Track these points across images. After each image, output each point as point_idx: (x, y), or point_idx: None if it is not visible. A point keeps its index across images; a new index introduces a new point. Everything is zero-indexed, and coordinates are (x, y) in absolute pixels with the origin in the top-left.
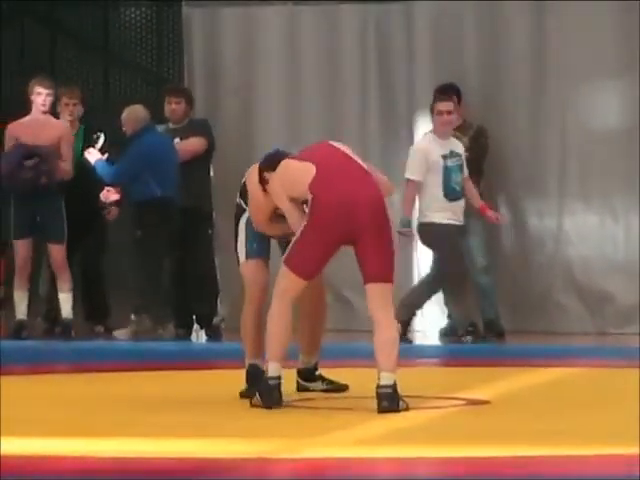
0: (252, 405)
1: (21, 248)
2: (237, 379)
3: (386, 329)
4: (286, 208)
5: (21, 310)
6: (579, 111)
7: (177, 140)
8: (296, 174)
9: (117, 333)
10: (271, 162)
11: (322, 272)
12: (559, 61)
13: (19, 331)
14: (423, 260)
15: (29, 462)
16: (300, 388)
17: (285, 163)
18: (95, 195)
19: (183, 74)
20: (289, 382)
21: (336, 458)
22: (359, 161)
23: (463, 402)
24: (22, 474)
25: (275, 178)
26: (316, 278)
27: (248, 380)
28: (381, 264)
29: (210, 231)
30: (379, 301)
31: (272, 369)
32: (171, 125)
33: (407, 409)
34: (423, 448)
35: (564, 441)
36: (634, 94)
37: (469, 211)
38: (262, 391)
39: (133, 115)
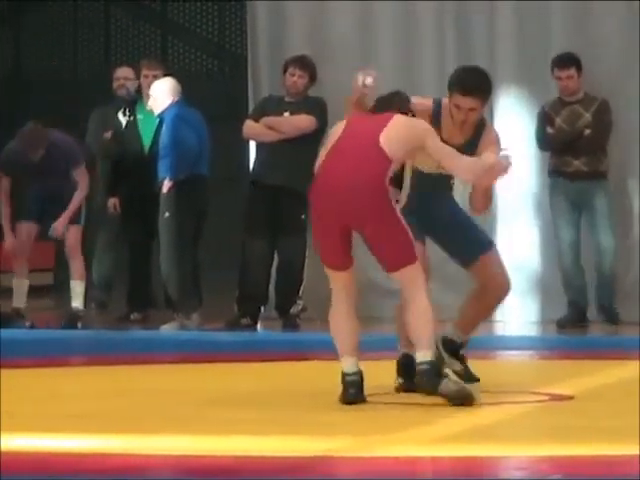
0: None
1: (19, 231)
2: (304, 372)
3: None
4: None
5: (20, 299)
6: None
7: (286, 114)
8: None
9: (164, 327)
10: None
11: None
12: None
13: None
14: None
15: (81, 460)
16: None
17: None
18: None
19: (246, 45)
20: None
21: (412, 457)
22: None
23: (546, 397)
24: (75, 473)
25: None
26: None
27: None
28: (390, 254)
29: (303, 215)
30: (407, 286)
31: (347, 365)
32: (287, 98)
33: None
34: (501, 446)
35: None
36: None
37: (595, 187)
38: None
39: (162, 89)
